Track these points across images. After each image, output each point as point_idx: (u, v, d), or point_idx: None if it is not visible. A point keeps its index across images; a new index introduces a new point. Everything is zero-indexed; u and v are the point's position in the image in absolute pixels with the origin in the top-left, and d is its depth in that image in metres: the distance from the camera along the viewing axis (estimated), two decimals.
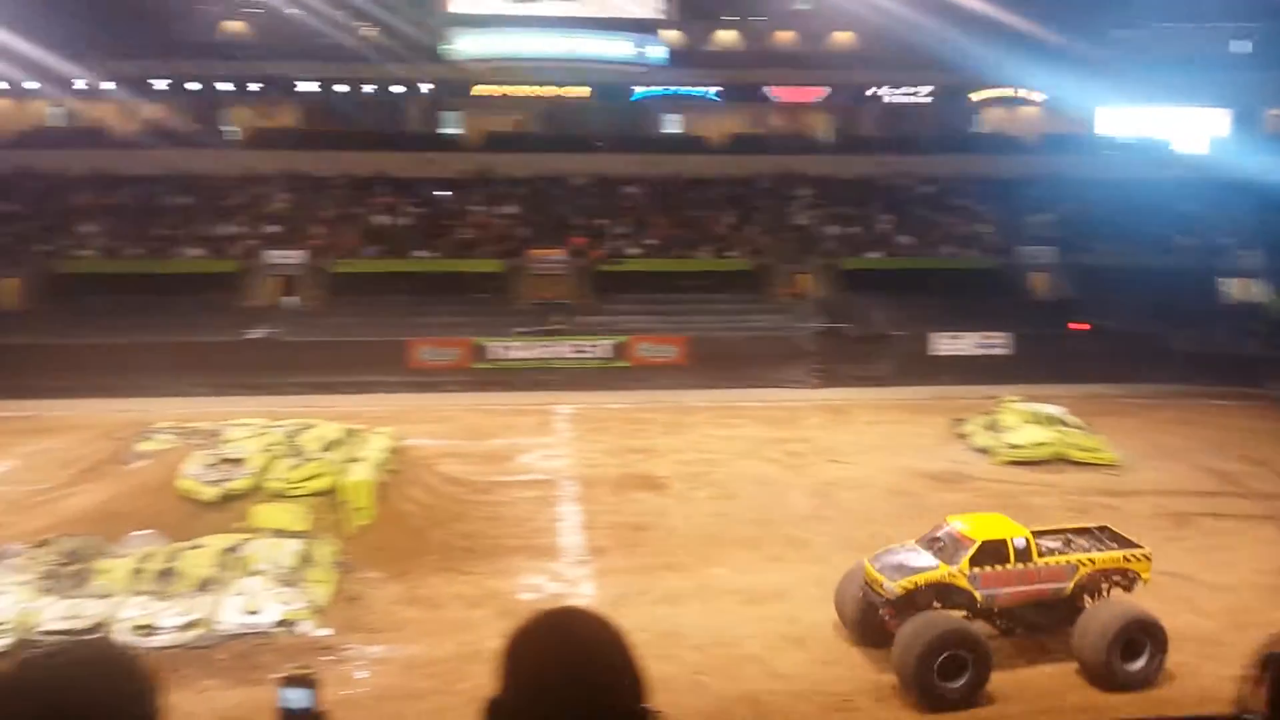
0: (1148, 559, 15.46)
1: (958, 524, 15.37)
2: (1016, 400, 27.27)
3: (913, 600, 14.30)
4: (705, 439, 27.30)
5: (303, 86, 42.02)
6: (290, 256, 36.57)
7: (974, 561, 14.55)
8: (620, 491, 23.11)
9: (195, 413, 26.71)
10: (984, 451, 25.48)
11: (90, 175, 39.18)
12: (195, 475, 19.34)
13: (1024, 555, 14.78)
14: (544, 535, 20.44)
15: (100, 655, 1.37)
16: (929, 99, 47.22)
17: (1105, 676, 14.01)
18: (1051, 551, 15.27)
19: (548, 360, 33.30)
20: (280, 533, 18.06)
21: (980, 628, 14.59)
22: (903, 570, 14.62)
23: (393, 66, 40.58)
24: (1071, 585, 14.96)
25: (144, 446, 22.87)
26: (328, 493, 19.31)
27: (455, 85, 41.89)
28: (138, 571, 16.61)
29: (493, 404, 30.80)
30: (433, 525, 19.87)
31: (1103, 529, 16.28)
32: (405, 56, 39.93)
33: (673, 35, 44.25)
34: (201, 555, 16.97)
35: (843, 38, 48.25)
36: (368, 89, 41.46)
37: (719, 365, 32.93)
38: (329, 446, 20.65)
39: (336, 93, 41.26)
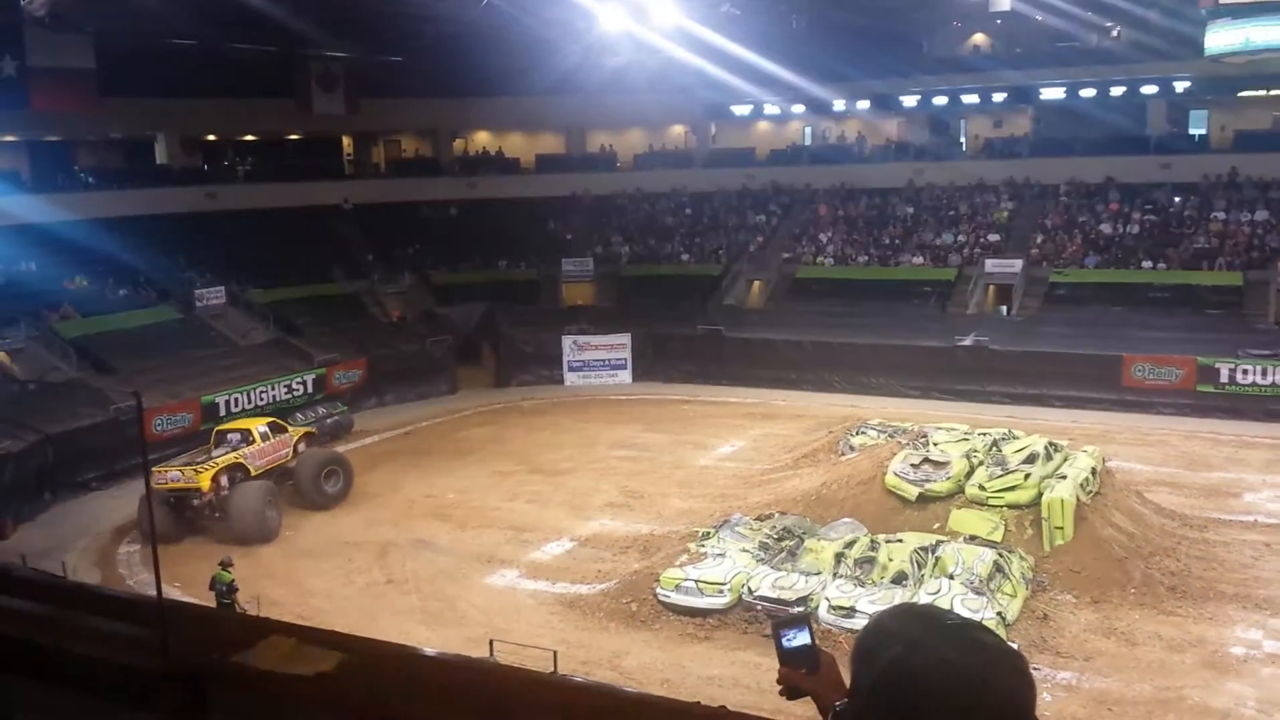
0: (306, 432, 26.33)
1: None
2: None
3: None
4: None
5: (1046, 93, 41.27)
6: (1008, 265, 36.57)
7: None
8: None
9: (903, 413, 28.20)
10: None
11: (831, 188, 43.08)
12: (900, 473, 20.43)
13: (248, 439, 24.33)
14: (1269, 586, 18.08)
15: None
16: None
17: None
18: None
19: None
20: (974, 539, 18.38)
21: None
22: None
23: (1145, 66, 38.04)
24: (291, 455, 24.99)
25: (856, 440, 24.76)
26: (1026, 506, 19.16)
27: (1211, 82, 37.95)
28: (840, 555, 18.10)
29: (1217, 432, 27.88)
30: (1135, 556, 18.66)
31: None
32: (1163, 53, 37.10)
33: None
34: (899, 550, 17.94)
35: None
36: (1115, 91, 39.26)
37: None
38: (1030, 459, 20.41)
39: (1080, 98, 39.80)
